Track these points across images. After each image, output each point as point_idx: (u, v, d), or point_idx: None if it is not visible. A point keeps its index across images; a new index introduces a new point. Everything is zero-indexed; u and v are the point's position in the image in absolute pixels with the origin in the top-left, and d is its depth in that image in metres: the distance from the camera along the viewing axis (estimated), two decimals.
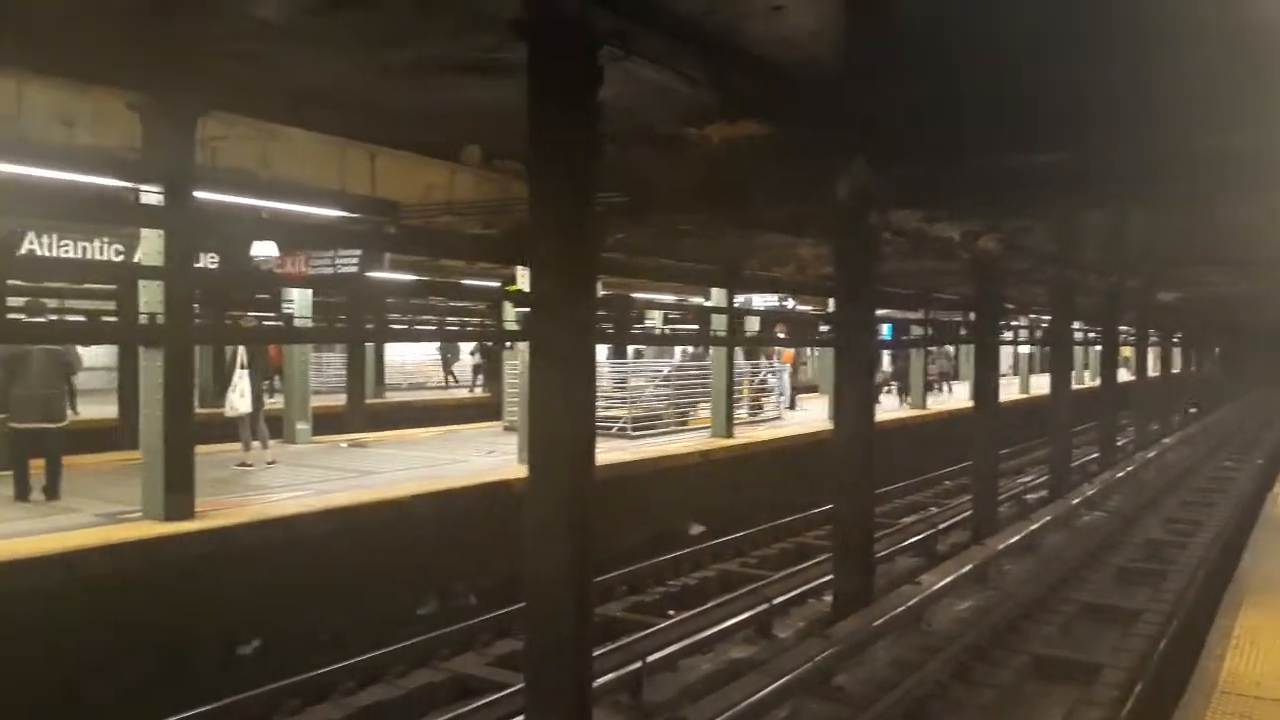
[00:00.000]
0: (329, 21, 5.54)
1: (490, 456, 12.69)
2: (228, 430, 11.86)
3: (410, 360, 30.76)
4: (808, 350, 24.50)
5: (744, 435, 15.66)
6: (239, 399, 11.09)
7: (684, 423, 16.32)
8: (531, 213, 5.49)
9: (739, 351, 17.83)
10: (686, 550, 12.03)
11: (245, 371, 11.12)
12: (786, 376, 20.76)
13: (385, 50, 6.02)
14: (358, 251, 10.73)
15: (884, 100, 6.74)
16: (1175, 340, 31.71)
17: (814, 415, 18.98)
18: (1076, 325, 20.67)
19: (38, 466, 9.12)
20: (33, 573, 6.84)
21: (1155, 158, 7.50)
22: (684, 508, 13.23)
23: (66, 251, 10.30)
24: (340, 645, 8.30)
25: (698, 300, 20.88)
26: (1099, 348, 22.70)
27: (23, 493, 9.05)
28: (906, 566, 11.40)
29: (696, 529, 13.14)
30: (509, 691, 7.18)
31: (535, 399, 5.58)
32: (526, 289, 5.96)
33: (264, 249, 10.32)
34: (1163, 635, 8.67)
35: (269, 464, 11.60)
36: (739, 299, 15.90)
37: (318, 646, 8.29)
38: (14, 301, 13.82)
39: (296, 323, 12.64)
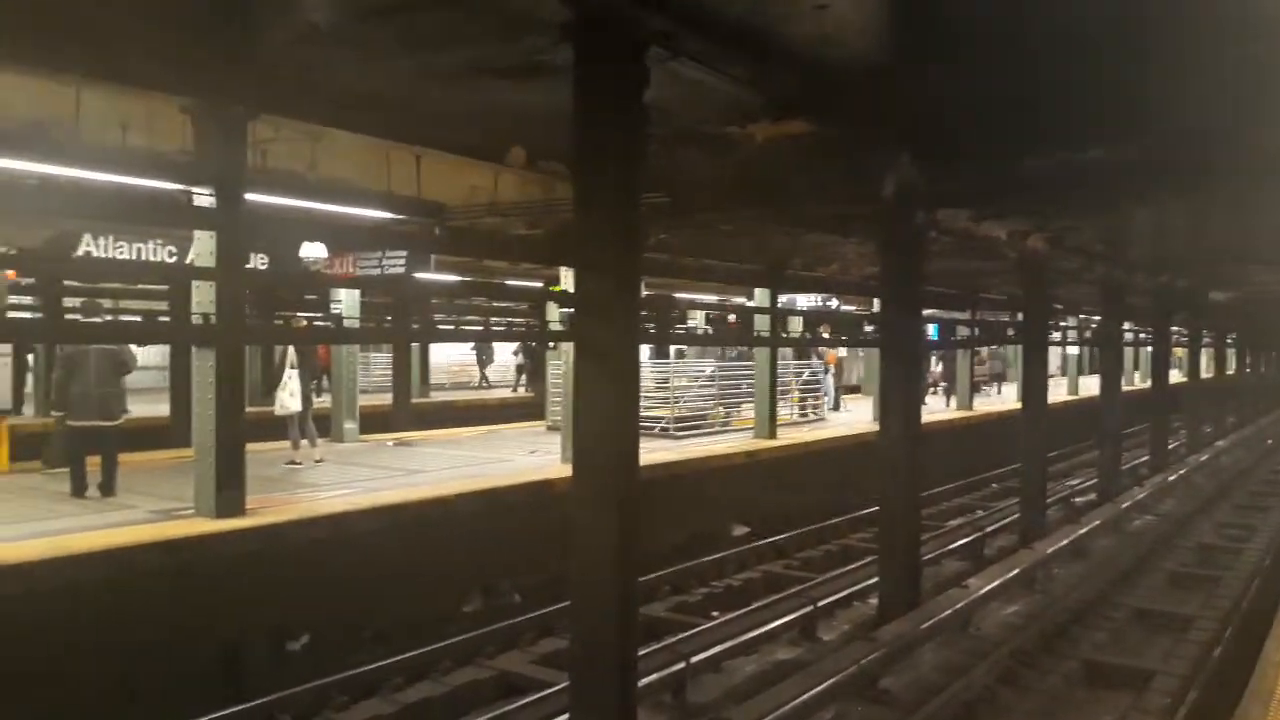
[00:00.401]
0: (377, 26, 5.60)
1: (534, 456, 12.74)
2: (276, 429, 12.05)
3: (446, 361, 30.91)
4: (856, 350, 24.21)
5: (787, 436, 15.58)
6: (289, 398, 11.26)
7: (727, 423, 16.29)
8: (576, 214, 5.50)
9: (785, 352, 17.73)
10: (731, 551, 12.02)
11: (295, 371, 11.29)
12: (830, 377, 20.63)
13: (431, 54, 6.06)
14: (404, 252, 10.87)
15: (931, 96, 6.67)
16: (1229, 341, 31.00)
17: (858, 416, 18.87)
18: (1127, 326, 20.30)
19: (94, 464, 9.30)
20: (92, 567, 6.98)
21: (1211, 154, 7.34)
22: (727, 509, 13.21)
23: (121, 253, 10.50)
24: (387, 641, 8.41)
25: (740, 300, 20.83)
26: (1149, 348, 22.29)
27: (79, 489, 9.24)
28: (953, 570, 11.26)
29: (739, 530, 13.12)
30: (554, 690, 7.22)
31: (580, 399, 5.59)
32: (571, 289, 5.98)
33: (313, 250, 10.49)
34: (1217, 642, 8.50)
35: (317, 462, 11.74)
36: (782, 299, 15.79)
37: (365, 643, 8.41)
38: (71, 302, 14.26)
39: (345, 323, 12.78)
